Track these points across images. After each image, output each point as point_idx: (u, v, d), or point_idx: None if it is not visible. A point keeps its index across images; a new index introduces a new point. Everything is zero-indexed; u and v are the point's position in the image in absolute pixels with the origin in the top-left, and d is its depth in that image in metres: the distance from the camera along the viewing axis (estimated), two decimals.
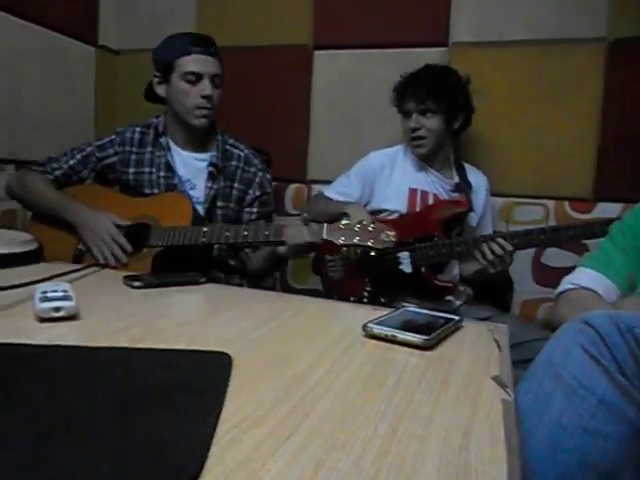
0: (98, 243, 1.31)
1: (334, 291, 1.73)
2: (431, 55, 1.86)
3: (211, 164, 1.51)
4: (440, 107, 1.61)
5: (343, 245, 1.23)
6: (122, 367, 0.51)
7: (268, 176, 1.61)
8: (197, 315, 0.73)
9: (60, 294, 0.68)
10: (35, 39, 1.90)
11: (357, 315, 0.82)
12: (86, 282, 0.84)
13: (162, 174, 1.49)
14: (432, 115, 1.62)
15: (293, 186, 2.09)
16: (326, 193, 1.77)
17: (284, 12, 2.05)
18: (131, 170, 1.51)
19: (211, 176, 1.51)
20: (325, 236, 1.24)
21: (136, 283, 0.85)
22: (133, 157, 1.51)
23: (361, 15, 1.97)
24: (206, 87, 1.41)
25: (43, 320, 0.64)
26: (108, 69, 2.22)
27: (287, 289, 2.10)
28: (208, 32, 1.50)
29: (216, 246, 1.50)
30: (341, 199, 1.71)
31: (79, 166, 1.49)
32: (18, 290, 0.72)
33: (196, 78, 1.40)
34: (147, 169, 1.51)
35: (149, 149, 1.52)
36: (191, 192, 1.49)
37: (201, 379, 0.50)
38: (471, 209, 1.67)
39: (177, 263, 1.39)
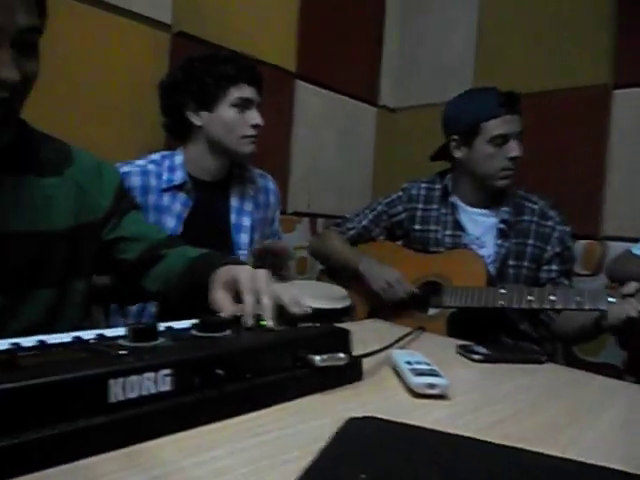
0: (383, 285, 1.34)
1: None
2: None
3: (503, 221, 1.41)
4: None
5: None
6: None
7: (567, 229, 1.43)
8: (569, 413, 0.62)
9: (426, 367, 0.65)
10: (330, 104, 2.12)
11: None
12: (415, 349, 0.81)
13: (448, 233, 1.45)
14: None
15: (582, 242, 1.85)
16: (634, 250, 1.51)
17: (575, 53, 1.88)
18: (417, 227, 1.50)
19: (502, 233, 1.40)
20: None
21: (476, 356, 0.79)
22: (419, 214, 1.51)
23: None
24: (513, 148, 1.33)
25: (415, 395, 0.62)
26: (386, 127, 2.36)
27: (571, 360, 1.83)
28: (488, 82, 1.44)
29: None
30: None
31: (371, 225, 1.56)
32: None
33: (502, 141, 1.33)
34: (433, 227, 1.48)
35: (435, 206, 1.49)
36: (480, 251, 1.41)
37: None
38: None
39: (470, 325, 1.31)
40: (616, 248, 1.69)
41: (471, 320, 1.32)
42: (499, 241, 1.41)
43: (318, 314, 0.85)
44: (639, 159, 1.76)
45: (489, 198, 1.44)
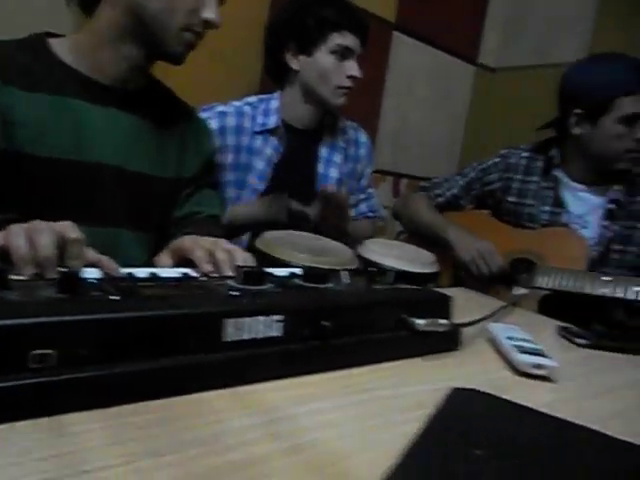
0: (474, 256, 1.26)
1: None
2: None
3: (612, 201, 1.28)
4: None
5: None
6: None
7: None
8: None
9: (531, 345, 0.62)
10: (426, 59, 2.01)
11: None
12: (511, 324, 0.76)
13: (546, 209, 1.34)
14: None
15: None
16: None
17: None
18: (510, 199, 1.40)
19: (610, 215, 1.28)
20: None
21: (580, 340, 0.74)
22: (515, 185, 1.40)
23: None
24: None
25: (517, 372, 0.58)
26: (484, 87, 2.21)
27: None
28: (609, 42, 1.28)
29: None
30: None
31: (462, 192, 1.46)
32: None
33: (633, 121, 1.18)
34: (529, 201, 1.37)
35: (535, 179, 1.37)
36: (581, 232, 1.30)
37: None
38: None
39: (562, 310, 1.23)
40: None
41: (564, 304, 1.23)
42: (605, 222, 1.29)
43: (404, 276, 0.82)
44: None
45: (600, 177, 1.31)
